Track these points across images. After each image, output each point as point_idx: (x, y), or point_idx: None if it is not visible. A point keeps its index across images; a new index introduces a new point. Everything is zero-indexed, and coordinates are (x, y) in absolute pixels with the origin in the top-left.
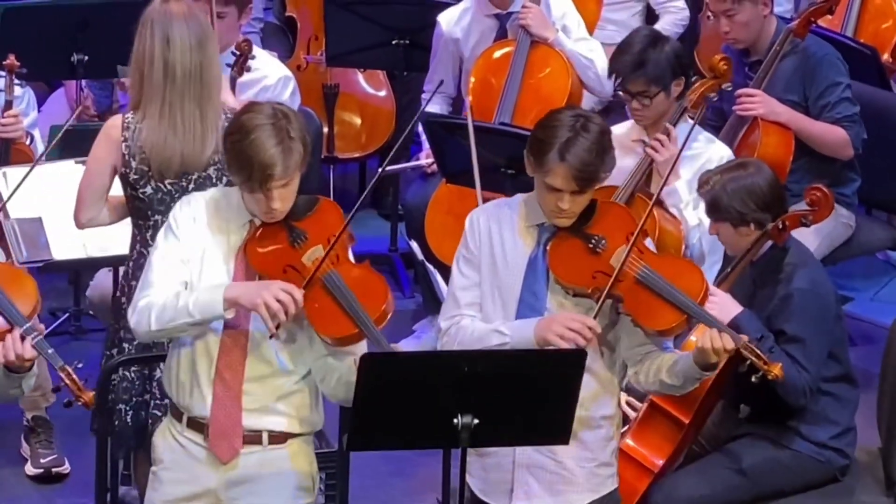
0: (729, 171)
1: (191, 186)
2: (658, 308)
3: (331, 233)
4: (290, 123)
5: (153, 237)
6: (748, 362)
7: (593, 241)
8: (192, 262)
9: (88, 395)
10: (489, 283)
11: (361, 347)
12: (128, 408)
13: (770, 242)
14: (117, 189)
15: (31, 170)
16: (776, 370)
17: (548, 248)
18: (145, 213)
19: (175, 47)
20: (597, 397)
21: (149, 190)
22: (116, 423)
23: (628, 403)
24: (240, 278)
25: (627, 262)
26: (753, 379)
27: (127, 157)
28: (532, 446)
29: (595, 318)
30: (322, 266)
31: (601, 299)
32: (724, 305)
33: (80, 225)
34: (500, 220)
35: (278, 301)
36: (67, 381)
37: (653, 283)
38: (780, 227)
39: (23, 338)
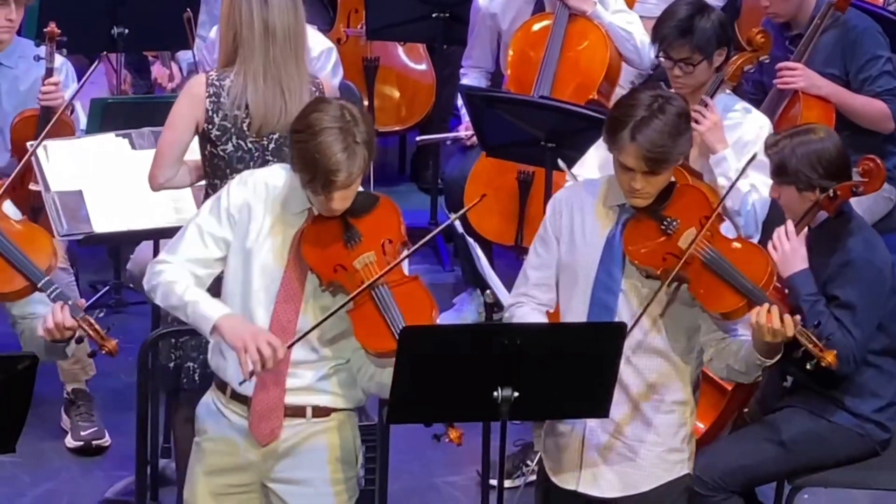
0: (798, 134)
1: (271, 146)
2: (721, 291)
3: (385, 236)
4: (357, 126)
5: None
6: (802, 349)
7: (665, 222)
8: (235, 247)
9: (112, 343)
10: (568, 264)
11: None
12: (195, 365)
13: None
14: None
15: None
16: (830, 357)
17: (624, 228)
18: (224, 170)
19: (273, 7)
20: (669, 382)
21: (230, 147)
22: (184, 380)
23: None
24: (293, 268)
25: (696, 245)
26: (808, 366)
27: (210, 113)
28: (602, 427)
29: (653, 298)
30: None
31: (667, 282)
32: (787, 257)
33: (156, 185)
34: (582, 200)
35: (259, 353)
36: (90, 331)
37: (717, 267)
38: (832, 195)
39: (62, 307)
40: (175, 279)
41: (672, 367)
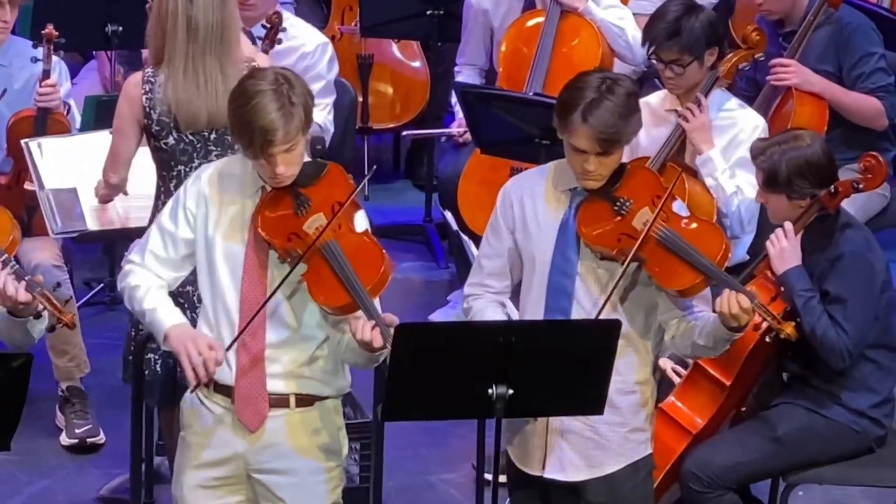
0: (786, 142)
1: (213, 136)
2: (677, 268)
3: (335, 200)
4: (293, 89)
5: (176, 187)
6: (763, 322)
7: (619, 203)
8: (198, 241)
9: (69, 316)
10: (524, 250)
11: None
12: (157, 356)
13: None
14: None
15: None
16: (789, 329)
17: (577, 211)
18: (168, 163)
19: (197, 4)
20: (630, 362)
21: (171, 140)
22: (146, 371)
23: (673, 370)
24: (253, 247)
25: (648, 224)
26: (767, 339)
27: (147, 109)
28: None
29: (618, 282)
30: (323, 235)
31: (626, 263)
32: (783, 254)
33: (110, 185)
34: (533, 187)
35: (200, 355)
36: (47, 304)
37: (673, 245)
38: (832, 192)
39: (16, 280)
40: (138, 283)
41: (632, 348)
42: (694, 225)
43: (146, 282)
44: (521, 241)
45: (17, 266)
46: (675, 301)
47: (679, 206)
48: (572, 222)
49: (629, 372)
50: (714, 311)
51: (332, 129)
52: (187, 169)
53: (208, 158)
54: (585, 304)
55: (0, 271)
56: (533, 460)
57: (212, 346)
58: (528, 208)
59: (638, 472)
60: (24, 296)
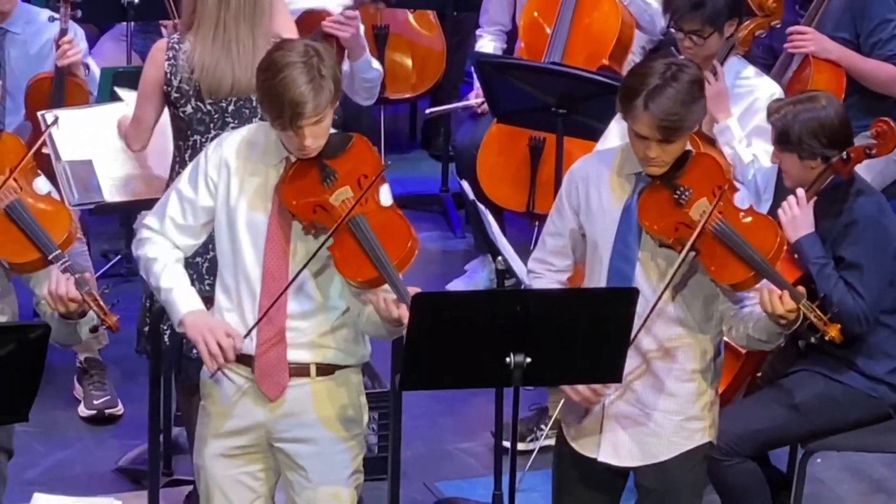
0: (801, 102)
1: (230, 108)
2: (730, 262)
3: (361, 172)
4: (322, 61)
5: (191, 157)
6: (808, 322)
7: (678, 191)
8: (219, 209)
9: (113, 319)
10: (588, 234)
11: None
12: (165, 327)
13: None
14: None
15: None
16: (834, 332)
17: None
18: (185, 132)
19: None
20: (688, 351)
21: (189, 109)
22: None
23: None
24: (277, 218)
25: (705, 216)
26: (812, 339)
27: (169, 75)
28: (622, 397)
29: (676, 271)
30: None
31: (684, 253)
32: (795, 221)
33: (134, 148)
34: (598, 170)
35: (218, 345)
36: (94, 305)
37: (726, 238)
38: (845, 158)
39: (68, 279)
40: (155, 256)
41: (690, 336)
42: (749, 219)
43: (163, 255)
44: (585, 223)
45: (69, 263)
46: (728, 294)
47: (740, 199)
48: (635, 208)
49: (686, 360)
50: None
51: (381, 70)
52: (203, 139)
53: (225, 130)
54: (644, 289)
55: (56, 271)
56: (588, 442)
57: (230, 333)
58: (592, 191)
59: (690, 460)
60: (73, 293)
